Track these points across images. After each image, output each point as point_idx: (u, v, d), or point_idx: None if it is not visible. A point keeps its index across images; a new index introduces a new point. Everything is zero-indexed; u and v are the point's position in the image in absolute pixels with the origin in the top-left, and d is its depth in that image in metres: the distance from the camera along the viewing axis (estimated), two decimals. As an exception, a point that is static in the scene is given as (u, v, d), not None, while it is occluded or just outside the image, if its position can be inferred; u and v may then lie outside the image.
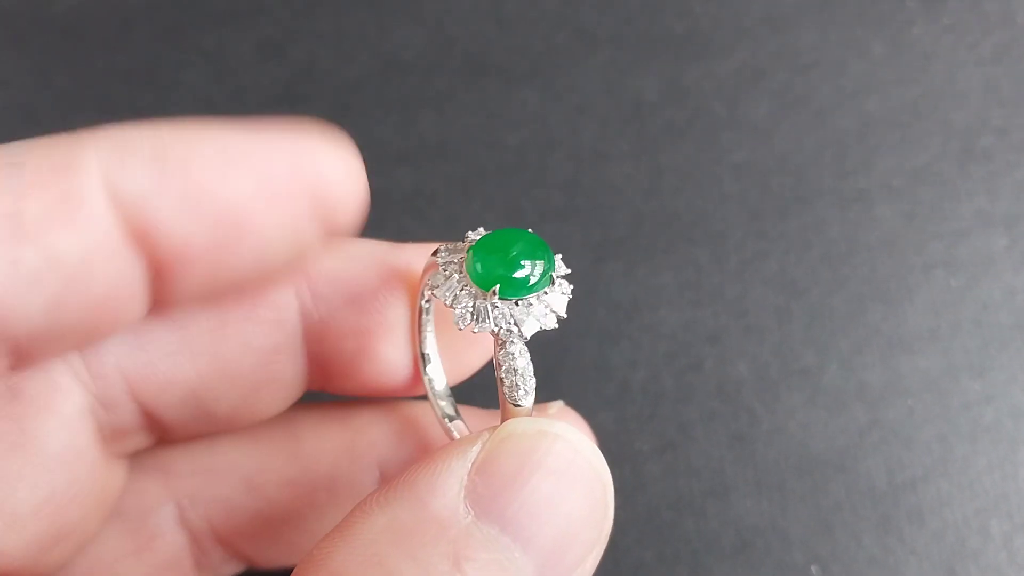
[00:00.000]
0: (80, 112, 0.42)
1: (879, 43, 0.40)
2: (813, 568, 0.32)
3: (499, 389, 0.19)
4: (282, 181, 0.19)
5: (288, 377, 0.24)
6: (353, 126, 0.42)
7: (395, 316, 0.23)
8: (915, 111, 0.39)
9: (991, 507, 0.32)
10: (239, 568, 0.27)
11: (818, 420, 0.34)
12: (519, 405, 0.19)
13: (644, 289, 0.36)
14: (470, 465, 0.17)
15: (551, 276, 0.19)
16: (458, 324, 0.19)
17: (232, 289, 0.22)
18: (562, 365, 0.35)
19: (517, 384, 0.19)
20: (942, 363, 0.35)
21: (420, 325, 0.23)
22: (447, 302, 0.19)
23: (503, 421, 0.19)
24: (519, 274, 0.19)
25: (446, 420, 0.24)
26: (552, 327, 0.19)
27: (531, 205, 0.38)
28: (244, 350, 0.23)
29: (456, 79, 0.41)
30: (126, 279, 0.18)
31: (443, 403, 0.24)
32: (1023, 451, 0.33)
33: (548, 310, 0.19)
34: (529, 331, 0.19)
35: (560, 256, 0.21)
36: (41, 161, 0.17)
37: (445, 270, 0.19)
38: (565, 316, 0.19)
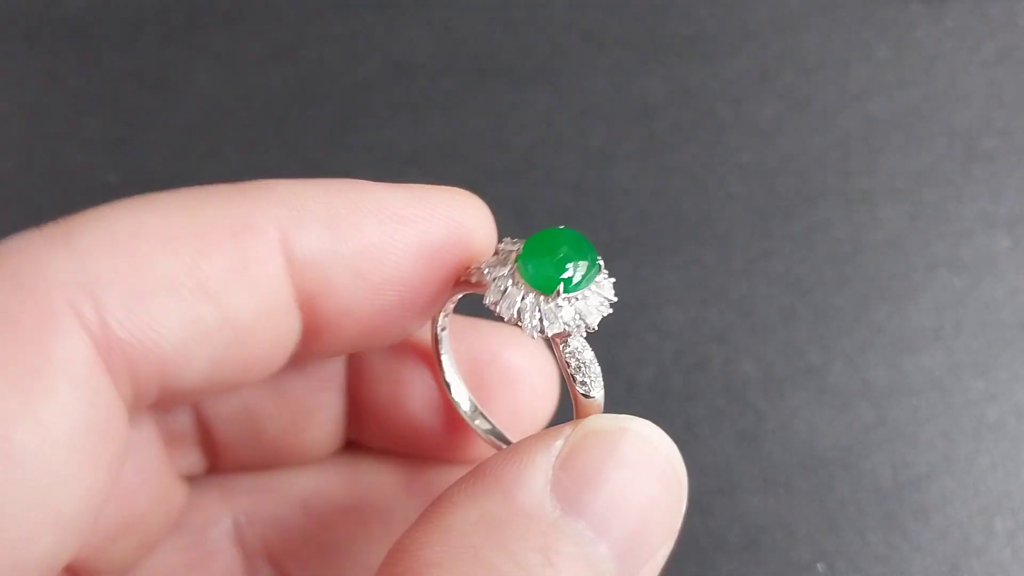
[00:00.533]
0: (90, 113, 0.42)
1: (883, 46, 0.41)
2: (819, 565, 0.32)
3: (570, 386, 0.19)
4: (440, 247, 0.19)
5: (334, 411, 0.25)
6: (362, 127, 0.42)
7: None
8: (919, 113, 0.39)
9: (995, 504, 0.33)
10: None
11: (824, 418, 0.34)
12: (591, 397, 0.19)
13: (651, 288, 0.37)
14: (554, 459, 0.18)
15: (598, 266, 0.20)
16: (532, 335, 0.19)
17: (369, 347, 0.22)
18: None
19: (589, 377, 0.19)
20: (946, 362, 0.35)
21: (438, 354, 0.24)
22: (511, 317, 0.19)
23: (578, 416, 0.19)
24: (569, 273, 0.19)
25: (489, 436, 0.25)
26: (608, 312, 0.20)
27: (539, 205, 0.39)
28: (297, 372, 0.23)
29: (464, 81, 0.42)
30: (286, 340, 0.19)
31: (477, 422, 0.25)
32: (1026, 449, 0.34)
33: (602, 298, 0.20)
34: (594, 322, 0.19)
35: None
36: (220, 218, 0.17)
37: (499, 284, 0.19)
38: (616, 299, 0.20)
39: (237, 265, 0.17)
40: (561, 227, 0.20)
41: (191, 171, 0.41)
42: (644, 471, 0.18)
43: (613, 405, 0.35)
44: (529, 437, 0.18)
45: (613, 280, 0.20)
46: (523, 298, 0.19)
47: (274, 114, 0.42)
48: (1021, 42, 0.41)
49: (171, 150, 0.42)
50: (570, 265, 0.19)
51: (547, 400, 0.25)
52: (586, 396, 0.19)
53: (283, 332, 0.18)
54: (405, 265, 0.19)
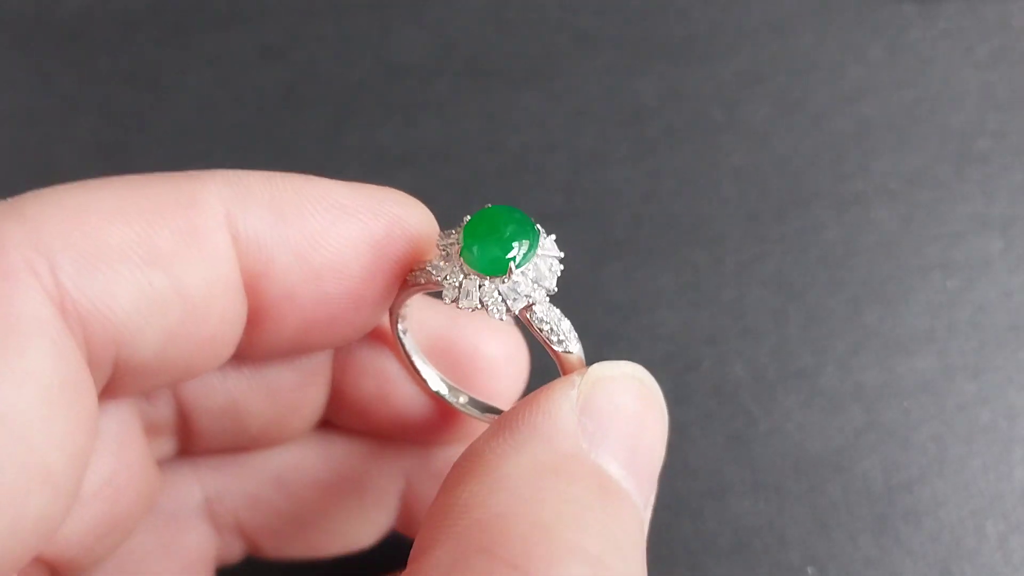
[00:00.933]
0: (83, 115, 0.42)
1: (876, 47, 0.41)
2: (809, 569, 0.32)
3: (548, 349, 0.21)
4: (382, 240, 0.20)
5: (318, 403, 0.25)
6: (354, 129, 0.42)
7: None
8: (912, 115, 0.39)
9: (986, 508, 0.33)
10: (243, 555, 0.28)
11: (815, 421, 0.34)
12: (570, 352, 0.21)
13: (643, 291, 0.37)
14: (576, 406, 0.19)
15: (537, 231, 0.20)
16: (500, 318, 0.20)
17: (312, 343, 0.22)
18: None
19: (563, 335, 0.20)
20: (938, 364, 0.35)
21: (406, 355, 0.24)
22: (475, 307, 0.20)
23: (564, 372, 0.21)
24: (515, 251, 0.20)
25: (484, 414, 0.25)
26: (561, 269, 0.21)
27: (531, 207, 0.38)
28: (284, 367, 0.24)
29: (457, 82, 0.41)
30: (234, 320, 0.19)
31: (461, 399, 0.25)
32: (1018, 452, 0.33)
33: (551, 258, 0.20)
34: (552, 284, 0.20)
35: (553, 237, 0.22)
36: (167, 194, 0.18)
37: (452, 281, 0.20)
38: (563, 254, 0.21)
39: (185, 236, 0.17)
40: (491, 206, 0.20)
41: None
42: (649, 409, 0.20)
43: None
44: (542, 388, 0.20)
45: (553, 236, 0.21)
46: (479, 287, 0.20)
47: (266, 116, 0.42)
48: (1015, 43, 0.40)
49: (163, 152, 0.42)
50: (515, 243, 0.19)
51: (520, 383, 0.27)
52: (567, 353, 0.21)
53: (231, 310, 0.19)
54: (347, 253, 0.19)
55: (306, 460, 0.27)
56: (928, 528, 0.33)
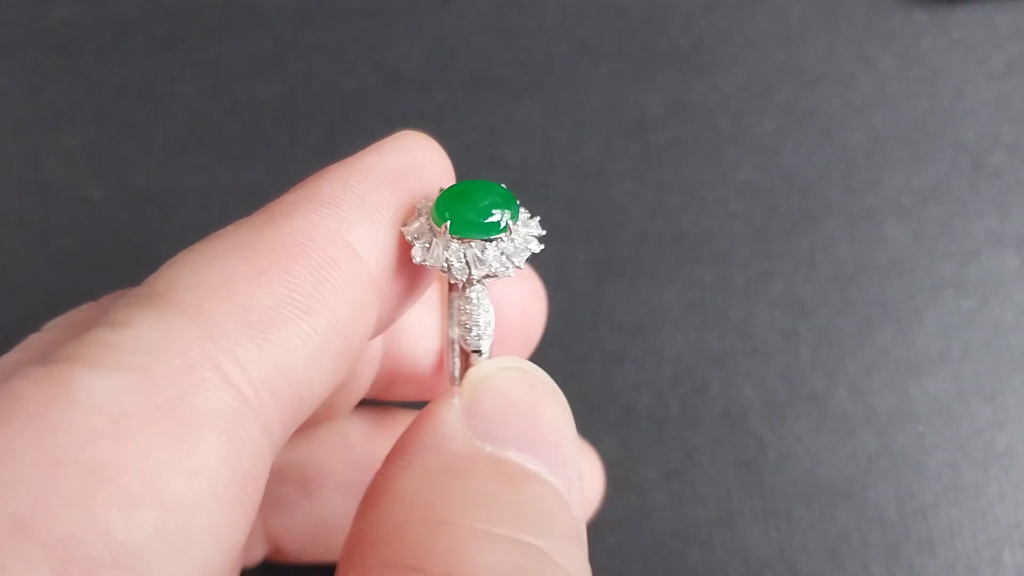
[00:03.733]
0: (73, 125, 0.41)
1: (887, 57, 0.40)
2: (821, 599, 0.31)
3: (458, 338, 0.20)
4: (396, 173, 0.21)
5: (368, 380, 0.25)
6: (352, 140, 0.41)
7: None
8: (924, 127, 0.38)
9: (1004, 536, 0.32)
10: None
11: (826, 446, 0.33)
12: (478, 351, 0.20)
13: (648, 309, 0.36)
14: (460, 411, 0.19)
15: (508, 224, 0.20)
16: (460, 281, 0.20)
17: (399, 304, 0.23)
18: (565, 388, 0.34)
19: (480, 330, 0.20)
20: (952, 387, 0.34)
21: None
22: (442, 267, 0.20)
23: (464, 370, 0.20)
24: (496, 217, 0.19)
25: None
26: (540, 248, 0.20)
27: (533, 223, 0.38)
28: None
29: (457, 93, 0.40)
30: (374, 349, 0.20)
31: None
32: (1036, 478, 0.32)
33: (529, 235, 0.20)
34: (521, 261, 0.20)
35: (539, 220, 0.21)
36: (282, 237, 0.18)
37: (423, 240, 0.20)
38: (544, 232, 0.20)
39: (322, 276, 0.18)
40: (475, 180, 0.20)
41: (176, 185, 0.40)
42: (538, 393, 0.20)
43: (609, 432, 0.34)
44: (424, 409, 0.20)
45: (539, 218, 0.20)
46: (446, 247, 0.19)
47: (261, 126, 0.41)
48: (1029, 53, 0.39)
49: (155, 164, 0.41)
50: (495, 211, 0.19)
51: (535, 331, 0.27)
52: (475, 351, 0.20)
53: (371, 312, 0.19)
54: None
55: (330, 465, 0.27)
56: (943, 557, 0.32)
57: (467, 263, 0.19)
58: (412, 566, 0.16)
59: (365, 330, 0.19)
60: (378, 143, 0.22)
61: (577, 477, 0.20)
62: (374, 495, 0.19)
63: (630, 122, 0.39)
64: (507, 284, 0.24)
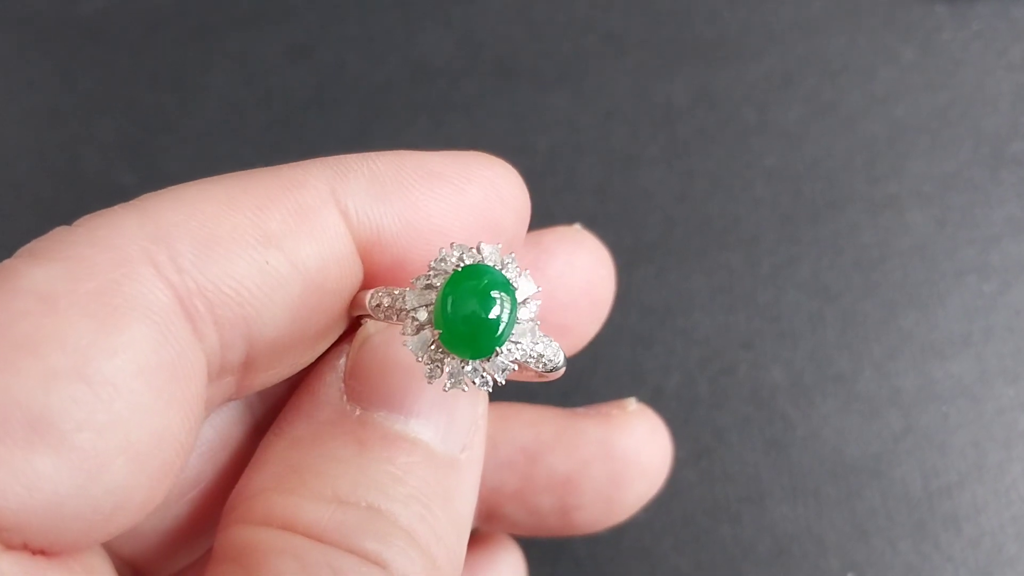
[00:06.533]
0: (105, 115, 0.42)
1: (908, 49, 0.40)
2: (849, 574, 0.32)
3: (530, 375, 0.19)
4: (480, 202, 0.20)
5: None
6: (382, 130, 0.42)
7: None
8: (945, 117, 0.39)
9: (1027, 513, 0.32)
10: None
11: (852, 426, 0.34)
12: (559, 369, 0.19)
13: (677, 294, 0.36)
14: (342, 375, 0.19)
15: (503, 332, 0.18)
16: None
17: None
18: (595, 371, 0.35)
19: (547, 361, 0.19)
20: (975, 369, 0.35)
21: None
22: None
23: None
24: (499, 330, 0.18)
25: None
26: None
27: (561, 209, 0.38)
28: None
29: (485, 83, 0.41)
30: (351, 289, 0.20)
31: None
32: (1058, 457, 0.33)
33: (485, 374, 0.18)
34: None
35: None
36: (273, 182, 0.19)
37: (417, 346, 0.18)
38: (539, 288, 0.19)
39: (295, 215, 0.18)
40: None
41: (208, 173, 0.41)
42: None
43: (640, 412, 0.34)
44: (316, 362, 0.20)
45: (528, 272, 0.18)
46: (462, 368, 0.18)
47: (292, 116, 0.41)
48: (1047, 45, 0.40)
49: (187, 152, 0.41)
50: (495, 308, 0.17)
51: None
52: (556, 371, 0.18)
53: (347, 280, 0.19)
54: (448, 217, 0.20)
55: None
56: (968, 534, 0.32)
57: (485, 375, 0.18)
58: (264, 521, 0.17)
59: (338, 286, 0.19)
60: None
61: (468, 417, 0.20)
62: (252, 461, 0.19)
63: (657, 112, 0.40)
64: (574, 251, 0.24)
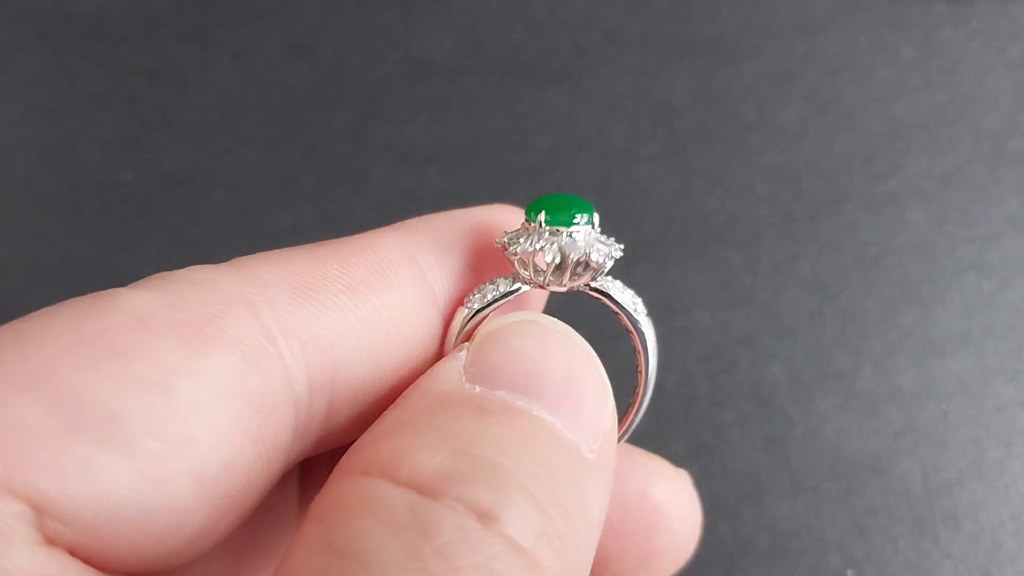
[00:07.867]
0: (106, 110, 0.42)
1: (908, 47, 0.40)
2: (849, 572, 0.32)
3: (628, 324, 0.21)
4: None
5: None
6: (381, 127, 0.42)
7: None
8: (944, 115, 0.39)
9: (1026, 511, 0.32)
10: None
11: (852, 423, 0.34)
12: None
13: (676, 291, 0.36)
14: (463, 362, 0.19)
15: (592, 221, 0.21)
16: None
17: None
18: (594, 367, 0.35)
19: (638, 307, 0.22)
20: (975, 366, 0.35)
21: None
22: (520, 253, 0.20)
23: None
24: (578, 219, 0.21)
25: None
26: (601, 262, 0.21)
27: (561, 207, 0.38)
28: None
29: (484, 80, 0.41)
30: (428, 339, 0.21)
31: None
32: (1057, 455, 0.33)
33: (598, 243, 0.21)
34: (575, 256, 0.21)
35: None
36: (351, 243, 0.20)
37: (515, 240, 0.21)
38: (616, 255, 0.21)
39: (378, 268, 0.20)
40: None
41: (207, 170, 0.41)
42: (547, 339, 0.19)
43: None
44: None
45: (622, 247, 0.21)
46: (540, 236, 0.20)
47: (291, 113, 0.41)
48: (1046, 44, 0.40)
49: (187, 149, 0.41)
50: (579, 214, 0.20)
51: (688, 542, 0.25)
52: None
53: (428, 330, 0.20)
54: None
55: None
56: (968, 531, 0.32)
57: (560, 249, 0.20)
58: (363, 470, 0.17)
59: (418, 332, 0.20)
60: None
61: (596, 421, 0.19)
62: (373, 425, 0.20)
63: (656, 109, 0.40)
64: (668, 486, 0.25)
